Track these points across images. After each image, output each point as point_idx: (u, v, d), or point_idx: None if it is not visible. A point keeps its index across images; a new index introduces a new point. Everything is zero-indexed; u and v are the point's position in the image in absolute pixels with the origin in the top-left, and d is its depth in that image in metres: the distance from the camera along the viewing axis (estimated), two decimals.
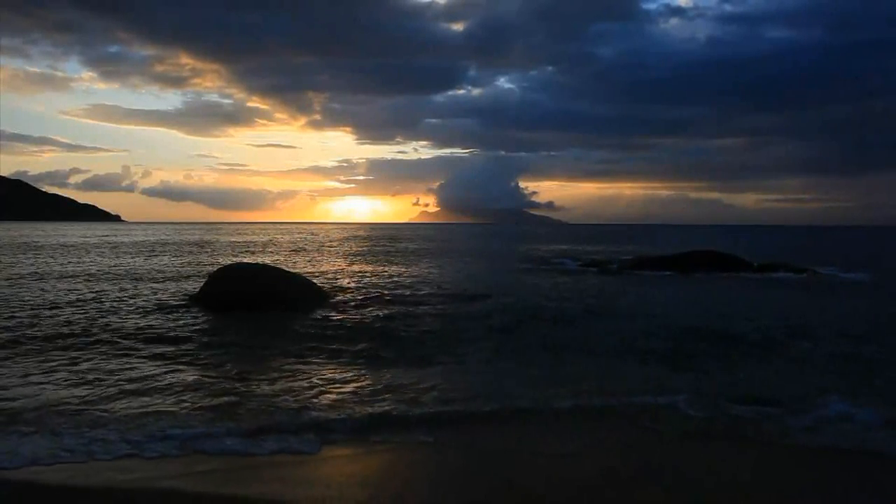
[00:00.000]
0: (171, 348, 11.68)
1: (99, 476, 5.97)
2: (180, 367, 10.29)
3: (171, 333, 13.05)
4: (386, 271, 29.55)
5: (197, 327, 13.92)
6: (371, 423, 7.46)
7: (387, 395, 8.57)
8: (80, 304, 17.15)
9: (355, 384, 9.24)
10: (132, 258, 37.11)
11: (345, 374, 9.81)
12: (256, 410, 7.95)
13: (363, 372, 10.00)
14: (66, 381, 9.31)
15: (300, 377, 9.64)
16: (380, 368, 10.26)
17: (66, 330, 13.18)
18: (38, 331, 13.06)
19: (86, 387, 8.97)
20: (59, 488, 5.68)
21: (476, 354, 11.34)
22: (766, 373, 10.25)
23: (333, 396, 8.56)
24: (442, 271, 29.86)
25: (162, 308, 16.49)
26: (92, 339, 12.34)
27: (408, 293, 20.04)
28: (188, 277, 25.09)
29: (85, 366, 10.24)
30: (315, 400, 8.38)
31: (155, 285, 22.16)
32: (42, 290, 20.31)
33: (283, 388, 8.98)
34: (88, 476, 5.95)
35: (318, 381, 9.35)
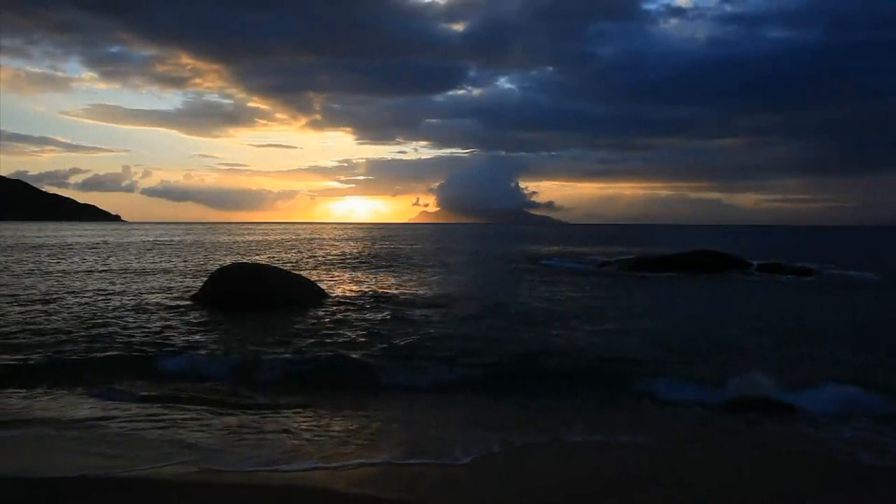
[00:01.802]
0: (175, 351, 11.63)
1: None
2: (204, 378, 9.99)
3: (173, 335, 13.01)
4: (385, 272, 29.53)
5: (198, 328, 13.89)
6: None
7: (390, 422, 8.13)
8: (79, 304, 17.13)
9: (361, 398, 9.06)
10: (132, 258, 37.07)
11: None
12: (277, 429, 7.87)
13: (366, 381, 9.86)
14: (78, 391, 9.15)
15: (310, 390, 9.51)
16: (381, 379, 10.04)
17: (66, 337, 12.94)
18: (39, 335, 12.99)
19: (96, 398, 8.87)
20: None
21: (475, 363, 10.92)
22: (766, 374, 10.21)
23: (349, 412, 8.38)
24: (442, 274, 29.82)
25: (162, 308, 16.47)
26: (93, 342, 12.26)
27: (407, 297, 19.95)
28: (188, 277, 25.06)
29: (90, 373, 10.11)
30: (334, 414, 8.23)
31: (155, 285, 22.12)
32: (43, 290, 20.26)
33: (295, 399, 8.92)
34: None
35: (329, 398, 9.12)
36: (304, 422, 7.82)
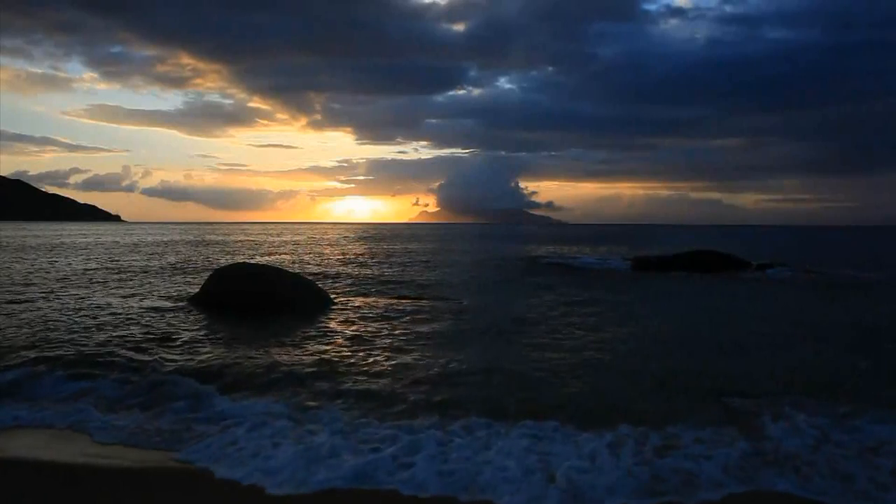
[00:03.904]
0: (176, 356, 11.53)
1: None
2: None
3: (170, 338, 12.91)
4: (387, 274, 29.46)
5: (197, 331, 13.82)
6: None
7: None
8: (76, 305, 17.07)
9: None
10: (131, 258, 37.00)
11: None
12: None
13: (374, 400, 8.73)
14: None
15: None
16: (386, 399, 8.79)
17: (60, 340, 12.94)
18: (32, 336, 12.95)
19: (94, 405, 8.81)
20: None
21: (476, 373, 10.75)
22: (763, 373, 10.19)
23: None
24: (446, 276, 29.78)
25: (160, 310, 16.37)
26: (89, 345, 12.16)
27: (411, 301, 19.73)
28: (187, 277, 25.03)
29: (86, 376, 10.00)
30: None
31: (153, 285, 22.06)
32: (40, 289, 20.22)
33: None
34: None
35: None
36: None
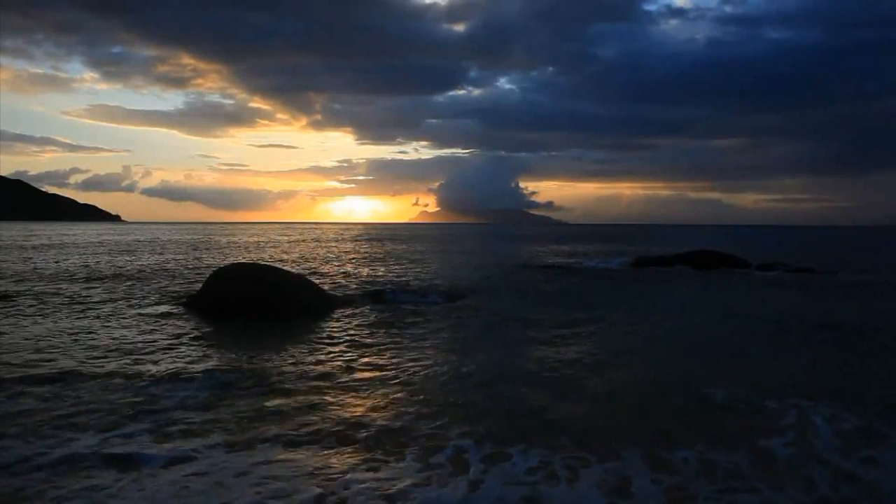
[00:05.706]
0: (164, 366, 11.35)
1: None
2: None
3: (160, 344, 12.77)
4: (387, 275, 29.37)
5: (191, 336, 13.68)
6: None
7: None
8: (68, 307, 16.99)
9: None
10: (128, 258, 36.88)
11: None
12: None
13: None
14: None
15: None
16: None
17: (45, 345, 12.81)
18: (14, 342, 12.84)
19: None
20: None
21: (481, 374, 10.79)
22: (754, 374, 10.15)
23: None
24: (446, 277, 29.70)
25: (156, 314, 16.21)
26: (74, 352, 11.98)
27: (411, 303, 19.52)
28: (186, 277, 24.92)
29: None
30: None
31: (150, 286, 21.94)
32: (32, 290, 20.13)
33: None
34: None
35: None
36: None
